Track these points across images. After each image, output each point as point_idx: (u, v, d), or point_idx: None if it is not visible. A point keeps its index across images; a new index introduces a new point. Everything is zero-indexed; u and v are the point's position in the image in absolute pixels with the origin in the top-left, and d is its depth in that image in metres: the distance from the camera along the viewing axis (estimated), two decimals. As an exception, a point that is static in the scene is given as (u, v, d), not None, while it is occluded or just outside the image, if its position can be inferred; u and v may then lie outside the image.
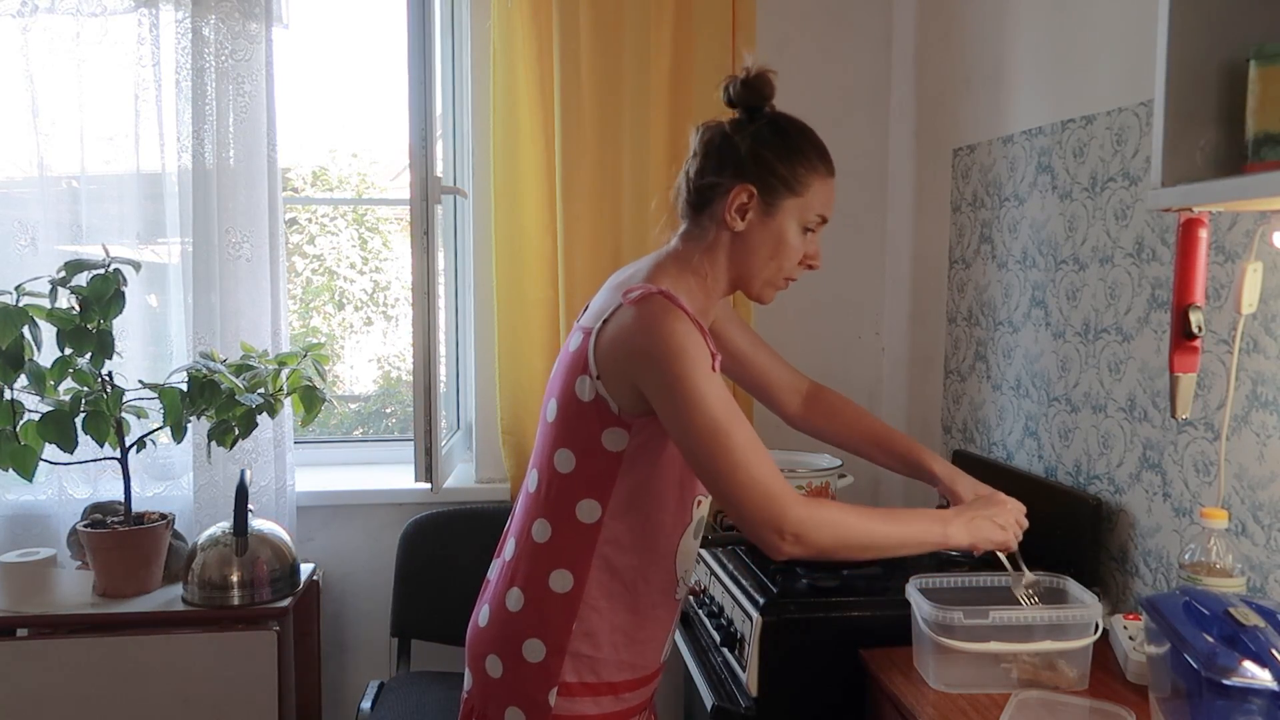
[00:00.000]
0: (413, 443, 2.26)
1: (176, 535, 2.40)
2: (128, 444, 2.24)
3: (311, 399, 2.35)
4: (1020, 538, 1.49)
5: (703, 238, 1.44)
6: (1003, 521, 1.46)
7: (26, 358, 2.10)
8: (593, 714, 1.40)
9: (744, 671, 1.79)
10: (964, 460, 2.37)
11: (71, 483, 2.47)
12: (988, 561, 1.93)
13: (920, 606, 1.57)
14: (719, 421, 1.28)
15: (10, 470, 2.13)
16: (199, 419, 2.25)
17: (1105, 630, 1.59)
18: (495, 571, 1.50)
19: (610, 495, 1.38)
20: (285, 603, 2.25)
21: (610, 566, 1.39)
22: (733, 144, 1.41)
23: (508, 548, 1.48)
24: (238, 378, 2.23)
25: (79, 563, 2.39)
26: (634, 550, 1.40)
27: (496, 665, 1.42)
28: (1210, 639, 1.20)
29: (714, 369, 1.32)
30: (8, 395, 2.11)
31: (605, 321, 1.36)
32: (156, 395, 2.19)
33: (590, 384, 1.36)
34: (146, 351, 2.53)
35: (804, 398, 1.80)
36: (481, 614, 1.48)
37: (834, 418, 1.76)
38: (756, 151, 1.40)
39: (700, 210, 1.44)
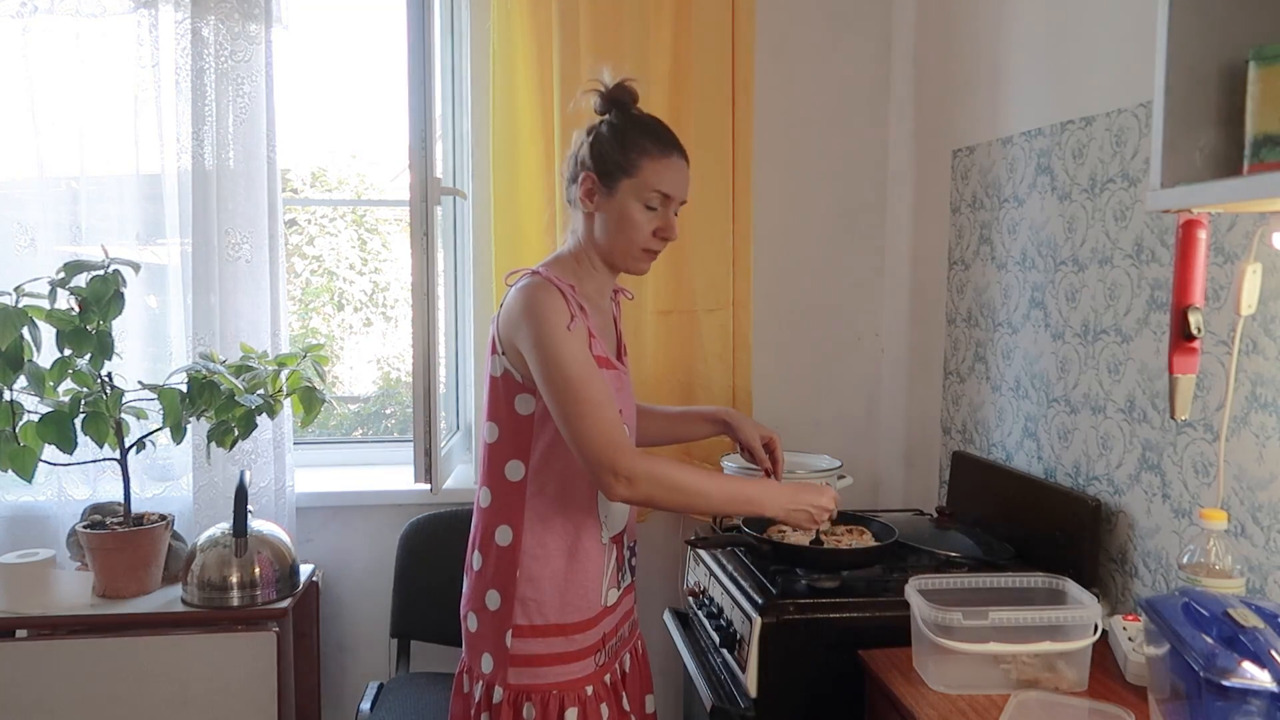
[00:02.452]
0: (412, 444, 2.26)
1: (176, 536, 2.40)
2: (127, 445, 2.24)
3: (311, 400, 2.35)
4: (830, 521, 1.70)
5: (576, 225, 1.69)
6: (817, 515, 1.65)
7: (26, 359, 2.10)
8: (543, 654, 1.61)
9: (743, 672, 1.79)
10: (963, 461, 2.37)
11: (71, 484, 2.47)
12: (987, 563, 1.94)
13: (919, 607, 1.57)
14: (572, 375, 1.50)
15: (10, 471, 2.13)
16: (198, 420, 2.25)
17: (1105, 631, 1.59)
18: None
19: (530, 453, 1.60)
20: (285, 603, 2.25)
21: (540, 517, 1.61)
22: (583, 143, 1.66)
23: (472, 524, 1.71)
24: (237, 379, 2.23)
25: (78, 564, 2.39)
26: (557, 499, 1.61)
27: (473, 620, 1.66)
28: (1209, 640, 1.20)
29: (570, 328, 1.52)
30: (7, 396, 2.11)
31: (502, 305, 1.62)
32: (156, 396, 2.19)
33: (499, 361, 1.61)
34: (146, 352, 2.53)
35: None
36: (464, 583, 1.71)
37: (639, 420, 1.87)
38: (595, 144, 1.64)
39: (571, 203, 1.69)
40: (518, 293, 1.58)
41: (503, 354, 1.60)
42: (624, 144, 1.62)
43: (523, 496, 1.61)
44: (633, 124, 1.65)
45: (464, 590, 1.71)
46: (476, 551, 1.67)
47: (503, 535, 1.62)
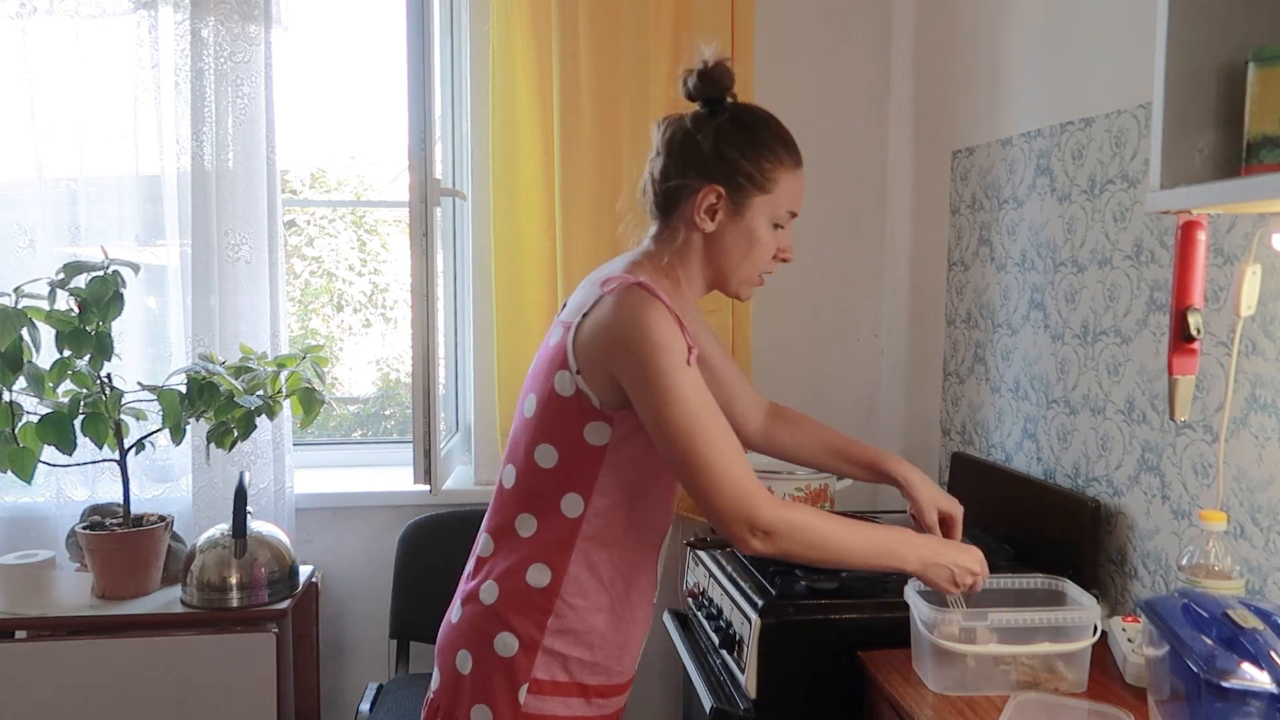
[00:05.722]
0: (411, 445, 2.26)
1: (175, 537, 2.40)
2: (126, 446, 2.24)
3: (310, 401, 2.35)
4: (973, 591, 1.46)
5: (673, 240, 1.42)
6: (961, 578, 1.43)
7: (25, 360, 2.10)
8: (562, 715, 1.39)
9: (743, 674, 1.78)
10: (963, 462, 2.37)
11: (70, 485, 2.47)
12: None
13: (919, 609, 1.57)
14: (695, 416, 1.29)
15: (9, 472, 2.13)
16: (198, 421, 2.25)
17: (1104, 633, 1.59)
18: (469, 567, 1.48)
19: (593, 490, 1.37)
20: (284, 605, 2.25)
21: (590, 563, 1.38)
22: (695, 142, 1.39)
23: (481, 543, 1.46)
24: (237, 380, 2.23)
25: (78, 565, 2.39)
26: (615, 547, 1.39)
27: (466, 661, 1.39)
28: (1209, 641, 1.20)
29: (690, 362, 1.31)
30: (7, 397, 2.11)
31: (585, 315, 1.35)
32: (155, 397, 2.19)
33: (570, 379, 1.35)
34: (145, 353, 2.53)
35: (765, 413, 1.74)
36: (454, 610, 1.45)
37: (796, 429, 1.72)
38: (720, 150, 1.38)
39: (668, 212, 1.42)
40: (625, 308, 1.31)
41: (578, 372, 1.34)
42: (758, 152, 1.39)
43: (574, 537, 1.38)
44: (763, 126, 1.41)
45: (455, 620, 1.44)
46: (491, 582, 1.40)
47: (538, 575, 1.37)
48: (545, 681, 1.37)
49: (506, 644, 1.37)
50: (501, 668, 1.37)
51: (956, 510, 1.58)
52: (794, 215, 1.44)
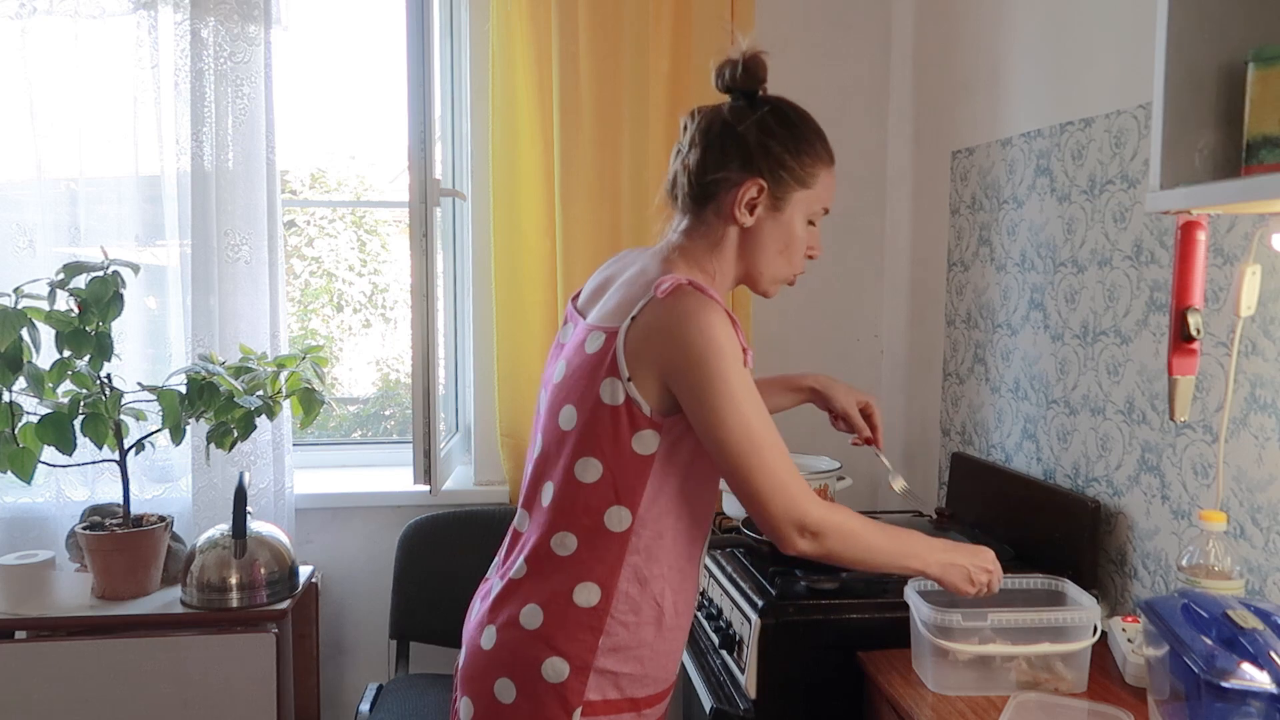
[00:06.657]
0: (411, 445, 2.26)
1: (175, 537, 2.40)
2: (126, 446, 2.24)
3: (310, 401, 2.35)
4: (989, 591, 1.47)
5: (708, 234, 1.40)
6: (977, 576, 1.44)
7: (25, 360, 2.10)
8: None
9: (743, 674, 1.78)
10: (963, 462, 2.37)
11: (70, 485, 2.47)
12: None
13: (919, 609, 1.57)
14: (751, 422, 1.27)
15: (9, 472, 2.13)
16: (198, 421, 2.25)
17: (1104, 633, 1.59)
18: (498, 590, 1.40)
19: (640, 502, 1.33)
20: (284, 605, 2.25)
21: (639, 578, 1.34)
22: (737, 134, 1.37)
23: (515, 565, 1.38)
24: (236, 380, 2.23)
25: (77, 565, 2.39)
26: (663, 559, 1.36)
27: (508, 689, 1.33)
28: (1209, 642, 1.20)
29: (746, 364, 1.29)
30: (6, 397, 2.11)
31: (634, 318, 1.30)
32: (155, 398, 2.19)
33: (620, 386, 1.30)
34: (145, 354, 2.53)
35: None
36: (485, 636, 1.37)
37: None
38: (764, 143, 1.36)
39: (703, 204, 1.39)
40: (683, 311, 1.27)
41: (629, 379, 1.29)
42: (800, 147, 1.38)
43: (623, 553, 1.33)
44: (804, 121, 1.41)
45: (489, 647, 1.36)
46: (533, 605, 1.34)
47: (586, 594, 1.32)
48: (598, 702, 1.33)
49: (556, 669, 1.32)
50: (551, 694, 1.32)
51: (871, 399, 1.68)
52: (826, 212, 1.44)
